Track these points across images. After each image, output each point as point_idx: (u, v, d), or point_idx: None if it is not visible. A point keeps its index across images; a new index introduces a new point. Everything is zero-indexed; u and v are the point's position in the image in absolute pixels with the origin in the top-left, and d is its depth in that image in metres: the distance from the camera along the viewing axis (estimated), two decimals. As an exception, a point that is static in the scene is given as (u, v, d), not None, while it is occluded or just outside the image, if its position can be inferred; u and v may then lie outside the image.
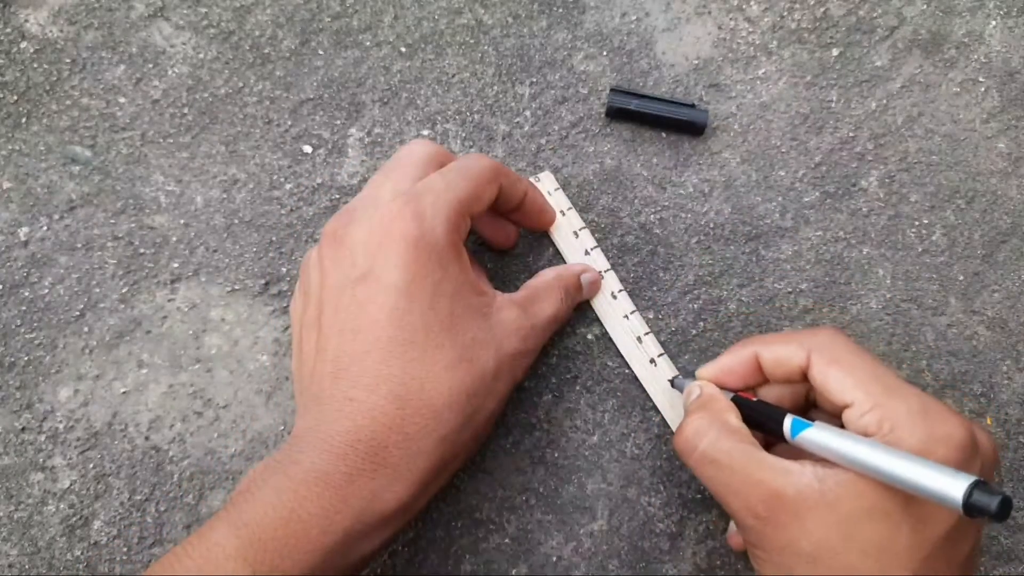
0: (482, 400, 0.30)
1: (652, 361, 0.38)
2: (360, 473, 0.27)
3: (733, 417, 0.31)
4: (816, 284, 0.39)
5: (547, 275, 0.36)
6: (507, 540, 0.37)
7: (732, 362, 0.33)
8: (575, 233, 0.38)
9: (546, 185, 0.39)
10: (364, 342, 0.29)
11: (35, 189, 0.38)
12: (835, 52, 0.41)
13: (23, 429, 0.37)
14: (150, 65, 0.39)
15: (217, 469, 0.37)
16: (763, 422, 0.31)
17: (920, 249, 0.40)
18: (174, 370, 0.38)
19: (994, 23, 0.41)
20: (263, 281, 0.38)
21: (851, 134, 0.40)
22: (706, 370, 0.34)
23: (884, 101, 0.40)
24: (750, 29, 0.41)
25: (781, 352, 0.32)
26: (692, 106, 0.40)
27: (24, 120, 0.39)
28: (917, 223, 0.40)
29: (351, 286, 0.30)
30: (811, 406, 0.34)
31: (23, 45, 0.39)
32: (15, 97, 0.39)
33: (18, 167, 0.39)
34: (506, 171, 0.34)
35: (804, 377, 0.31)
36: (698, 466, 0.31)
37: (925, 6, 0.41)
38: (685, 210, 0.40)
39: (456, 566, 0.37)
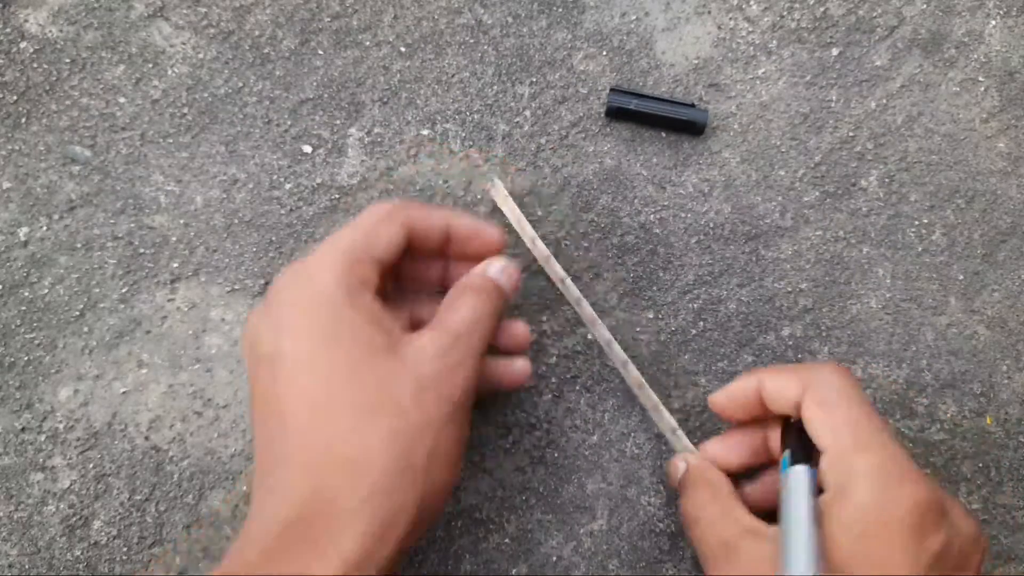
0: (410, 438, 0.28)
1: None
2: (284, 560, 0.26)
3: (727, 488, 0.33)
4: (816, 284, 0.39)
5: (457, 284, 0.33)
6: (507, 540, 0.37)
7: (739, 391, 0.33)
8: (528, 245, 0.38)
9: (497, 194, 0.38)
10: (277, 422, 0.28)
11: (35, 189, 0.38)
12: (835, 52, 0.41)
13: (23, 429, 0.37)
14: (150, 65, 0.39)
15: (217, 469, 0.37)
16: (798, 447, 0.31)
17: (920, 249, 0.40)
18: (174, 370, 0.38)
19: (994, 23, 0.41)
20: (263, 281, 0.38)
21: (851, 134, 0.40)
22: (719, 396, 0.34)
23: (884, 101, 0.40)
24: (750, 29, 0.41)
25: (780, 383, 0.32)
26: (692, 106, 0.40)
27: (24, 120, 0.39)
28: (917, 223, 0.40)
29: (261, 370, 0.29)
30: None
31: (23, 45, 0.39)
32: (15, 97, 0.39)
33: (18, 167, 0.39)
34: (412, 206, 0.32)
35: (796, 414, 0.31)
36: (696, 541, 0.33)
37: (925, 6, 0.41)
38: (685, 210, 0.40)
39: (456, 566, 0.37)
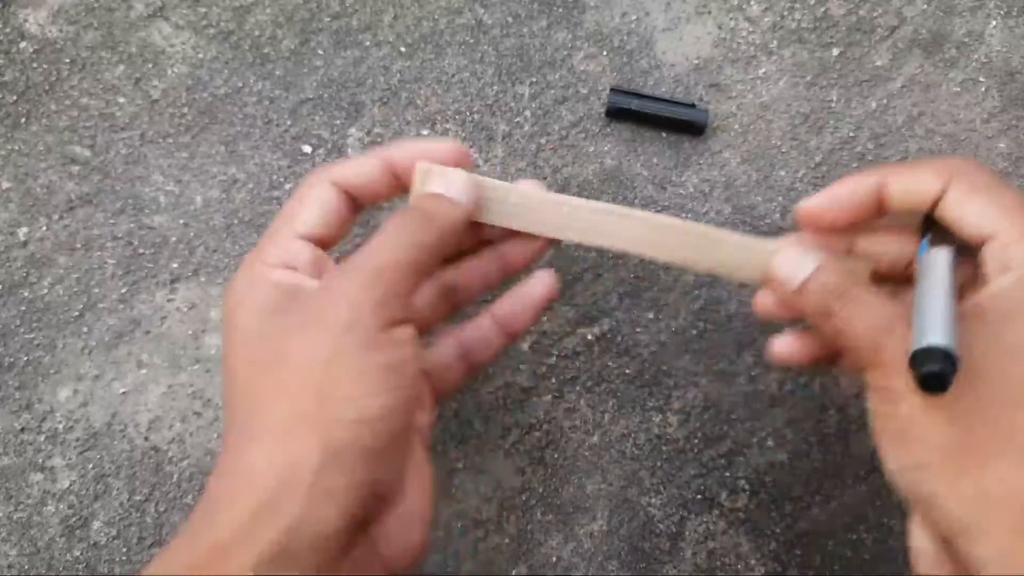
0: (345, 387, 0.24)
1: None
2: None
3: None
4: (816, 284, 0.39)
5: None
6: (507, 540, 0.37)
7: (848, 193, 0.30)
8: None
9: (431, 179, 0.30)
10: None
11: (34, 189, 0.38)
12: (835, 52, 0.41)
13: (23, 429, 0.37)
14: (149, 65, 0.39)
15: (217, 469, 0.37)
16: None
17: (920, 249, 0.40)
18: (173, 370, 0.38)
19: (995, 23, 0.41)
20: (263, 281, 0.38)
21: (851, 134, 0.40)
22: (816, 200, 0.30)
23: (884, 101, 0.40)
24: (750, 29, 0.41)
25: (913, 179, 0.29)
26: (692, 106, 0.40)
27: (23, 120, 0.39)
28: (917, 223, 0.40)
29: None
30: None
31: (23, 45, 0.39)
32: (14, 97, 0.39)
33: (17, 167, 0.38)
34: (335, 164, 0.30)
35: (932, 209, 0.28)
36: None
37: (925, 6, 0.41)
38: (685, 210, 0.40)
39: (456, 566, 0.37)
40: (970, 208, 0.27)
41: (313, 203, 0.28)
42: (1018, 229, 0.26)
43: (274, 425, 0.25)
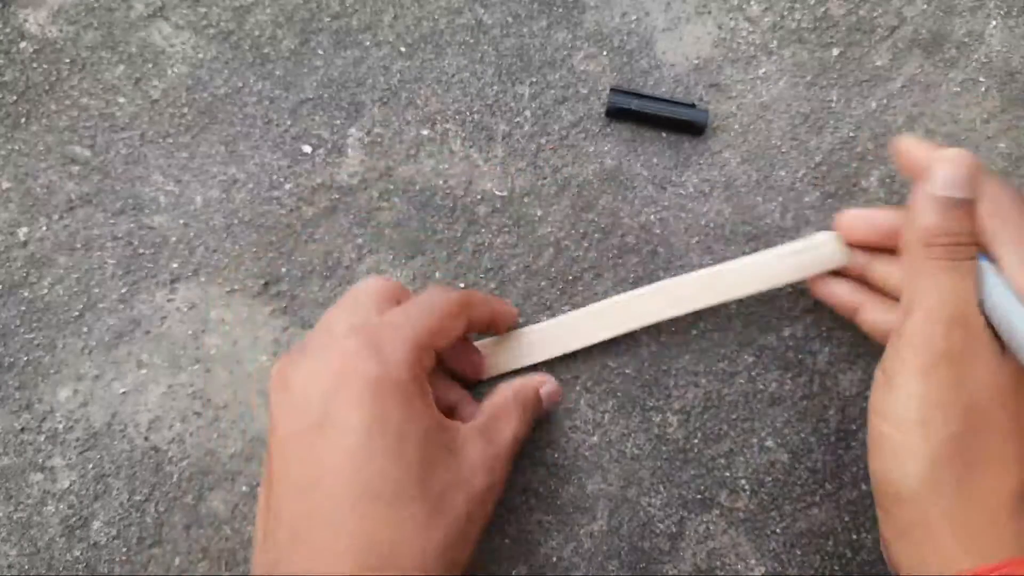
0: (458, 551, 0.27)
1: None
2: None
3: None
4: (816, 284, 0.39)
5: (505, 392, 0.33)
6: (507, 541, 0.37)
7: (882, 215, 0.33)
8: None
9: None
10: (323, 500, 0.26)
11: (34, 189, 0.38)
12: (835, 52, 0.41)
13: (22, 429, 0.37)
14: (149, 65, 0.39)
15: (217, 469, 0.37)
16: None
17: (920, 249, 0.40)
18: (173, 370, 0.38)
19: (995, 23, 0.41)
20: (262, 281, 0.38)
21: (851, 134, 0.40)
22: (854, 216, 0.34)
23: (885, 101, 0.40)
24: (750, 29, 0.41)
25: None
26: (692, 106, 0.39)
27: (23, 120, 0.39)
28: (917, 223, 0.40)
29: (304, 435, 0.27)
30: None
31: (23, 45, 0.39)
32: (14, 97, 0.39)
33: (17, 167, 0.38)
34: (474, 300, 0.32)
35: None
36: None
37: (925, 6, 0.41)
38: (685, 210, 0.40)
39: (456, 566, 0.37)
40: (994, 231, 0.29)
41: (456, 332, 0.32)
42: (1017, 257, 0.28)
43: None
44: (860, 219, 0.34)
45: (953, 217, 0.30)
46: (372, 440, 0.26)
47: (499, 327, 0.36)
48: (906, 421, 0.28)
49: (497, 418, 0.32)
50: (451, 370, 0.36)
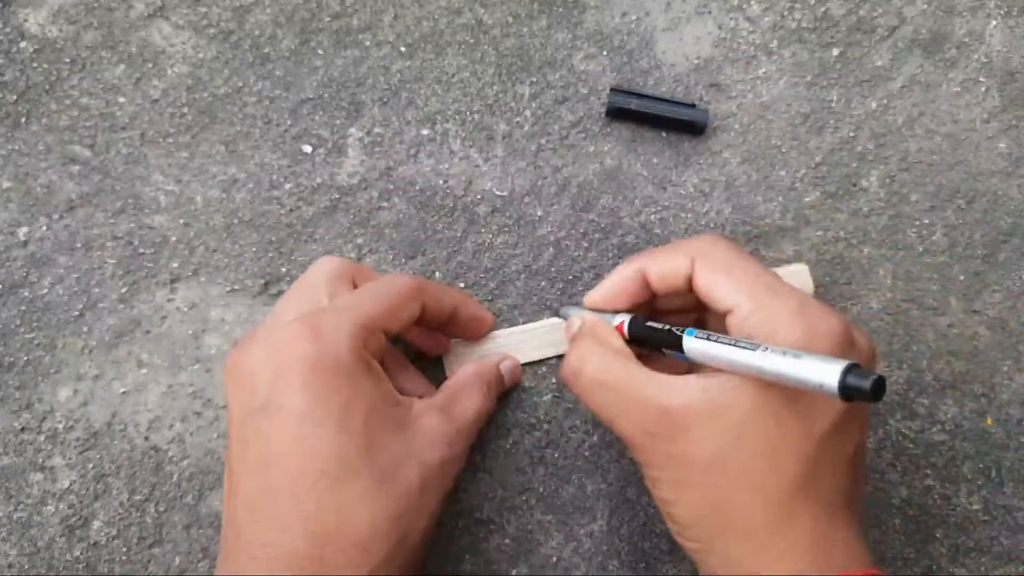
0: (410, 521, 0.28)
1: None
2: None
3: (616, 340, 0.31)
4: (816, 284, 0.39)
5: (466, 371, 0.34)
6: (507, 540, 0.37)
7: (619, 282, 0.33)
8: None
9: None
10: (275, 478, 0.27)
11: (34, 189, 0.38)
12: (836, 52, 0.41)
13: (23, 429, 0.37)
14: (150, 65, 0.39)
15: (217, 469, 0.37)
16: (660, 339, 0.31)
17: (921, 249, 0.40)
18: (174, 370, 0.38)
19: (995, 23, 0.41)
20: (263, 281, 0.38)
21: (852, 134, 0.40)
22: (595, 294, 0.33)
23: (885, 101, 0.40)
24: (750, 29, 0.41)
25: (666, 264, 0.31)
26: (692, 106, 0.39)
27: (24, 120, 0.39)
28: (918, 223, 0.40)
29: (253, 418, 0.28)
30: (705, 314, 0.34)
31: (23, 45, 0.39)
32: (15, 97, 0.39)
33: (18, 167, 0.39)
34: (431, 288, 0.33)
35: (691, 286, 0.31)
36: (585, 392, 0.30)
37: (926, 6, 0.41)
38: (685, 210, 0.40)
39: (456, 566, 0.37)
40: (712, 285, 0.30)
41: (410, 315, 0.32)
42: (753, 301, 0.28)
43: None
44: (600, 301, 0.33)
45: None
46: (316, 419, 0.27)
47: (465, 325, 0.36)
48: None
49: (458, 396, 0.33)
50: (416, 348, 0.37)
